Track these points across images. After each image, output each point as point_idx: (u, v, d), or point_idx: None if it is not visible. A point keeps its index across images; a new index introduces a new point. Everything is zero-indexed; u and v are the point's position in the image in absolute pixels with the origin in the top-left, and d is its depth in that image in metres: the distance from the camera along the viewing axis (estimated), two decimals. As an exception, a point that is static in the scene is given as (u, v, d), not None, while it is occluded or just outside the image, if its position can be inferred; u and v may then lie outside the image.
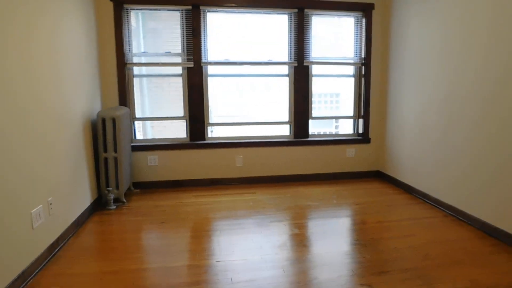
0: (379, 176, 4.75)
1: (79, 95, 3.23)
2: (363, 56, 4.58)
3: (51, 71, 2.67)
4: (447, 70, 3.36)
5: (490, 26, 2.85)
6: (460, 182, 3.25)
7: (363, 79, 4.62)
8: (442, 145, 3.47)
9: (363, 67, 4.61)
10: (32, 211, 2.32)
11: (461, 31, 3.17)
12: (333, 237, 2.90)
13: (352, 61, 4.62)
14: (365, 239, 2.85)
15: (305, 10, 4.36)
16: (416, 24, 3.82)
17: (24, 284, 2.18)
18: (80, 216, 3.12)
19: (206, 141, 4.37)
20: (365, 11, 4.47)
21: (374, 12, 4.48)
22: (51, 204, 2.58)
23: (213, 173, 4.41)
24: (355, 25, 4.58)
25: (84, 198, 3.27)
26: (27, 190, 2.27)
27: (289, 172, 4.58)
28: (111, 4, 3.92)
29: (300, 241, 2.82)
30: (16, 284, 2.08)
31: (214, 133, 4.50)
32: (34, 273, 2.30)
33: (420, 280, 2.21)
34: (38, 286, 2.20)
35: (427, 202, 3.69)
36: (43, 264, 2.43)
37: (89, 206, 3.36)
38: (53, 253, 2.59)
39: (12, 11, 2.15)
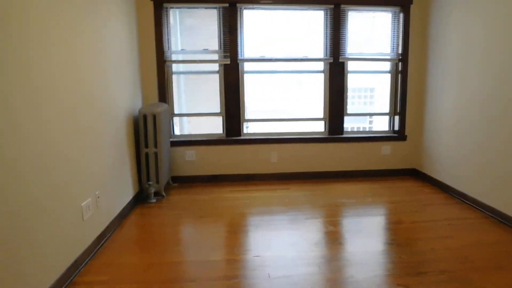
0: (415, 174, 4.70)
1: (122, 92, 3.38)
2: (400, 51, 4.52)
3: (98, 70, 2.81)
4: (491, 69, 3.28)
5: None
6: (502, 184, 3.18)
7: (400, 75, 4.56)
8: (484, 146, 3.39)
9: (400, 63, 4.55)
10: (82, 204, 2.47)
11: (506, 28, 3.08)
12: (368, 235, 2.93)
13: (388, 57, 4.56)
14: (400, 239, 2.85)
15: (342, 6, 4.34)
16: (458, 20, 3.73)
17: (77, 272, 2.34)
18: (123, 209, 3.28)
19: (241, 137, 4.45)
20: (403, 6, 4.40)
21: (412, 7, 4.40)
22: (98, 197, 2.73)
23: (248, 169, 4.50)
24: (392, 20, 4.51)
25: (127, 192, 3.42)
26: (77, 184, 2.42)
27: (323, 168, 4.60)
28: (151, 4, 4.04)
29: (335, 239, 2.86)
30: (70, 271, 2.25)
31: (249, 129, 4.58)
32: (85, 262, 2.47)
33: (458, 283, 2.21)
34: (89, 274, 2.36)
35: (465, 202, 3.64)
36: (92, 254, 2.59)
37: (131, 200, 3.52)
38: (101, 243, 2.76)
39: (62, 15, 2.28)
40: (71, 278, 2.27)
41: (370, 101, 4.88)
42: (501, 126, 3.16)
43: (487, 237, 2.87)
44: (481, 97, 3.41)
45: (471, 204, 3.56)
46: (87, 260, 2.51)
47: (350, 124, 4.88)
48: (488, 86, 3.30)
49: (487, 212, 3.34)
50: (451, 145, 3.89)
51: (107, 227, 2.89)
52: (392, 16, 4.50)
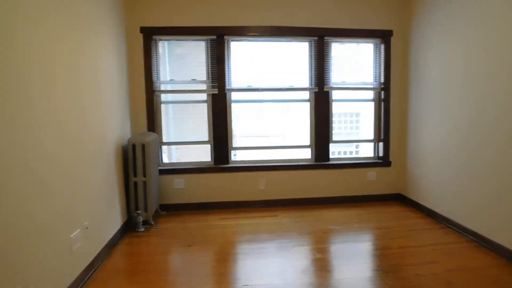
0: (400, 199, 4.79)
1: (112, 122, 3.43)
2: (382, 81, 4.68)
3: (90, 102, 2.86)
4: (470, 98, 3.41)
5: (502, 57, 2.93)
6: (484, 209, 3.28)
7: (382, 103, 4.71)
8: (466, 172, 3.51)
9: (382, 91, 4.70)
10: (71, 235, 2.48)
11: (483, 59, 3.24)
12: (355, 262, 2.97)
13: (371, 86, 4.72)
14: (387, 265, 2.91)
15: (325, 37, 4.51)
16: (436, 51, 3.91)
17: (64, 305, 2.33)
18: (112, 238, 3.28)
19: (229, 165, 4.51)
20: (384, 38, 4.59)
21: (393, 39, 4.59)
22: (87, 228, 2.74)
23: (237, 196, 4.53)
24: (374, 51, 4.70)
25: (115, 221, 3.43)
26: (66, 215, 2.43)
27: (310, 195, 4.67)
28: (141, 36, 4.15)
29: (322, 266, 2.90)
30: (58, 305, 2.23)
31: (237, 156, 4.64)
32: (73, 294, 2.45)
33: (443, 308, 2.27)
34: (77, 307, 2.35)
35: (450, 227, 3.72)
36: (81, 285, 2.58)
37: (119, 229, 3.51)
38: (90, 274, 2.75)
39: (59, 51, 2.36)
40: (60, 310, 2.26)
41: (356, 126, 5.00)
42: (481, 152, 3.28)
43: (470, 262, 2.94)
44: (461, 124, 3.54)
45: (455, 229, 3.64)
46: (76, 291, 2.50)
47: (338, 148, 4.98)
48: (469, 115, 3.44)
49: (471, 237, 3.42)
50: (434, 171, 4.01)
51: (96, 257, 2.89)
52: (374, 47, 4.69)
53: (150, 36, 4.19)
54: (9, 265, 1.80)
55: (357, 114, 5.05)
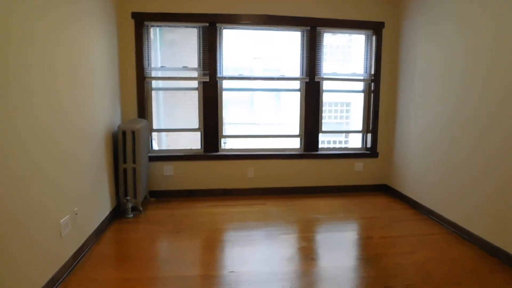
0: (386, 190, 4.88)
1: (102, 108, 3.44)
2: (372, 72, 4.72)
3: (76, 86, 2.86)
4: (449, 92, 3.51)
5: (489, 53, 3.00)
6: (461, 200, 3.38)
7: (372, 94, 4.76)
8: (444, 163, 3.60)
9: (372, 83, 4.75)
10: (61, 221, 2.52)
11: (463, 56, 3.31)
12: (339, 251, 3.06)
13: (362, 77, 4.77)
14: (369, 254, 2.99)
15: (317, 28, 4.52)
16: (423, 45, 3.97)
17: (53, 289, 2.38)
18: (100, 224, 3.32)
19: (219, 153, 4.55)
20: (376, 30, 4.62)
21: (384, 31, 4.62)
22: (76, 214, 2.77)
23: (225, 184, 4.59)
24: (365, 42, 4.73)
25: (104, 207, 3.46)
26: (57, 201, 2.47)
27: (298, 184, 4.74)
28: (132, 21, 4.13)
29: (307, 255, 2.98)
30: (47, 287, 2.29)
31: (227, 145, 4.68)
32: (62, 278, 2.50)
33: (420, 297, 2.36)
34: (65, 291, 2.40)
35: (432, 218, 3.82)
36: (69, 270, 2.63)
37: (108, 215, 3.56)
38: (78, 259, 2.79)
39: (37, 28, 2.34)
40: (48, 294, 2.31)
41: (346, 116, 5.06)
42: (465, 146, 3.36)
43: (450, 252, 3.04)
44: (440, 117, 3.62)
45: (437, 220, 3.74)
46: (64, 276, 2.54)
47: (327, 138, 5.04)
48: (447, 107, 3.52)
49: (451, 228, 3.52)
50: (419, 163, 4.09)
51: (84, 242, 2.93)
52: (365, 39, 4.72)
53: (141, 22, 4.17)
54: (0, 244, 1.84)
55: (348, 104, 5.10)
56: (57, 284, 2.43)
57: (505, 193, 2.89)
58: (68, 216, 2.63)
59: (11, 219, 1.94)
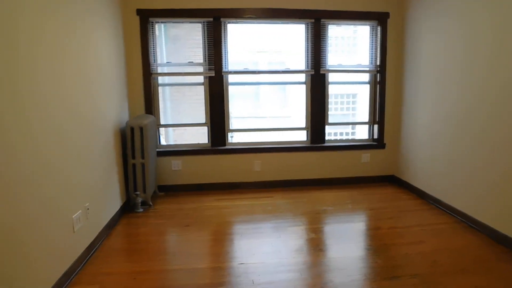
0: (393, 181, 4.89)
1: (110, 104, 3.48)
2: (378, 63, 4.71)
3: (84, 83, 2.90)
4: (454, 82, 3.50)
5: (491, 42, 2.99)
6: (469, 189, 3.39)
7: (378, 86, 4.76)
8: (450, 153, 3.61)
9: (378, 74, 4.75)
10: (73, 216, 2.58)
11: (466, 46, 3.30)
12: (347, 242, 3.08)
13: (367, 69, 4.76)
14: (377, 244, 3.02)
15: (322, 20, 4.52)
16: (428, 35, 3.95)
17: (68, 282, 2.44)
18: (111, 219, 3.38)
19: (226, 147, 4.58)
20: (380, 20, 4.60)
21: (389, 21, 4.61)
22: (88, 209, 2.83)
23: (233, 177, 4.63)
24: (370, 33, 4.72)
25: (114, 202, 3.52)
26: (68, 197, 2.52)
27: (305, 176, 4.76)
28: (137, 18, 4.15)
29: (316, 246, 3.01)
30: (61, 281, 2.35)
31: (233, 138, 4.71)
32: (75, 272, 2.56)
33: (428, 286, 2.38)
34: (80, 284, 2.46)
35: (439, 208, 3.83)
36: (82, 264, 2.69)
37: (119, 210, 3.61)
38: (91, 253, 2.85)
39: (48, 29, 2.38)
40: (63, 287, 2.36)
41: (352, 107, 5.07)
42: (470, 135, 3.36)
43: (458, 241, 3.06)
44: (448, 107, 3.61)
45: (445, 210, 3.75)
46: (78, 270, 2.60)
47: (334, 130, 5.06)
48: (452, 96, 3.51)
49: (459, 217, 3.53)
50: (426, 153, 4.10)
51: (96, 237, 2.99)
52: (370, 30, 4.70)
53: (146, 18, 4.19)
54: (14, 238, 1.89)
55: (354, 96, 5.10)
56: (71, 278, 2.49)
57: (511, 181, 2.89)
58: (80, 211, 2.69)
59: (25, 216, 1.99)
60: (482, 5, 3.18)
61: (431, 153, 4.00)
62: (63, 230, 2.43)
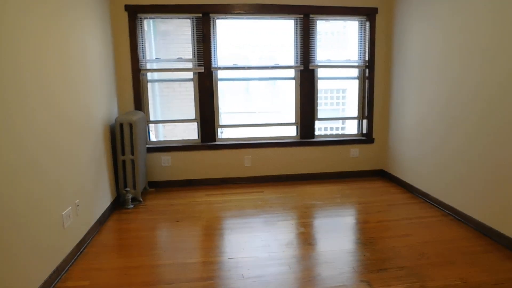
0: (382, 175, 4.95)
1: (99, 101, 3.47)
2: (367, 58, 4.75)
3: (70, 79, 2.87)
4: (448, 76, 3.54)
5: (489, 35, 3.02)
6: (457, 184, 3.44)
7: (367, 81, 4.80)
8: (442, 148, 3.66)
9: (367, 69, 4.79)
10: (63, 213, 2.58)
11: (461, 38, 3.33)
12: (336, 235, 3.13)
13: (356, 64, 4.80)
14: (366, 238, 3.07)
15: (311, 15, 4.54)
16: (418, 29, 3.99)
17: (58, 278, 2.45)
18: (102, 215, 3.38)
19: (216, 143, 4.60)
20: (369, 15, 4.63)
21: (377, 16, 4.64)
22: (78, 205, 2.83)
23: (223, 173, 4.65)
24: (359, 28, 4.75)
25: (104, 198, 3.52)
26: (58, 194, 2.52)
27: (295, 171, 4.80)
28: (125, 14, 4.13)
29: (305, 240, 3.05)
30: (52, 278, 2.35)
31: (223, 134, 4.73)
32: (66, 268, 2.57)
33: (415, 278, 2.43)
34: (70, 280, 2.47)
35: (427, 202, 3.89)
36: (73, 260, 2.69)
37: (109, 206, 3.61)
38: (81, 249, 2.86)
39: (32, 25, 2.35)
40: (53, 284, 2.37)
41: (342, 102, 5.10)
42: (458, 129, 3.41)
43: (444, 234, 3.12)
44: (439, 102, 3.66)
45: (432, 203, 3.82)
46: (68, 266, 2.61)
47: (324, 125, 5.10)
48: (445, 92, 3.56)
49: (446, 211, 3.60)
50: (414, 147, 4.15)
51: (87, 233, 2.99)
52: (358, 25, 4.74)
53: (135, 14, 4.17)
54: (3, 237, 1.89)
55: (344, 90, 5.14)
56: (61, 274, 2.49)
57: (498, 176, 2.95)
58: (70, 208, 2.69)
59: (14, 215, 1.98)
60: (472, 2, 3.22)
61: (419, 147, 4.06)
62: (52, 227, 2.42)
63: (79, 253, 2.81)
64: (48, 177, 2.40)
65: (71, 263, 2.65)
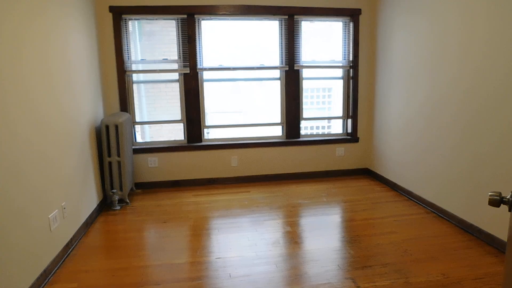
0: (367, 174, 5.03)
1: (85, 103, 3.46)
2: (351, 59, 4.82)
3: (52, 82, 2.85)
4: (424, 75, 3.63)
5: (460, 41, 3.11)
6: (437, 180, 3.53)
7: (351, 81, 4.87)
8: (419, 146, 3.75)
9: (351, 69, 4.85)
10: (49, 216, 2.57)
11: (447, 38, 3.41)
12: (322, 234, 3.18)
13: (340, 64, 4.86)
14: (351, 236, 3.13)
15: (295, 16, 4.59)
16: (402, 29, 4.06)
17: (46, 281, 2.44)
18: (88, 217, 3.37)
19: (202, 143, 4.61)
20: (353, 16, 4.70)
21: (361, 17, 4.71)
22: (64, 208, 2.82)
23: (210, 173, 4.67)
24: (343, 29, 4.81)
25: (91, 200, 3.51)
26: (44, 198, 2.51)
27: (281, 171, 4.85)
28: (110, 15, 4.12)
29: (292, 238, 3.09)
30: (39, 281, 2.35)
31: (210, 135, 4.75)
32: (53, 271, 2.57)
33: (398, 274, 2.50)
34: (58, 282, 2.46)
35: (411, 199, 3.97)
36: (60, 262, 2.69)
37: (96, 208, 3.61)
38: (68, 252, 2.85)
39: (26, 28, 2.35)
40: (41, 286, 2.36)
41: (328, 101, 5.16)
42: (435, 128, 3.50)
43: (427, 231, 3.20)
44: (421, 101, 3.75)
45: (416, 201, 3.90)
46: (56, 268, 2.60)
47: (310, 124, 5.15)
48: (422, 91, 3.64)
49: (429, 208, 3.68)
50: (398, 146, 4.24)
51: (74, 235, 2.99)
52: (342, 26, 4.80)
53: (119, 15, 4.16)
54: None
55: (329, 89, 5.19)
56: (49, 277, 2.49)
57: (475, 172, 3.03)
58: (56, 211, 2.68)
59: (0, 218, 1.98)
60: (450, 5, 3.30)
61: (402, 146, 4.14)
62: (39, 229, 2.42)
63: (66, 255, 2.81)
64: (35, 180, 2.39)
65: (58, 266, 2.65)
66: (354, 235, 3.13)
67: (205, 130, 4.69)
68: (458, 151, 3.24)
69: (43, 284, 2.40)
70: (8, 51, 2.08)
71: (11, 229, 2.08)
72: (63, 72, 2.96)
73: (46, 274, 2.44)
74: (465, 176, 3.17)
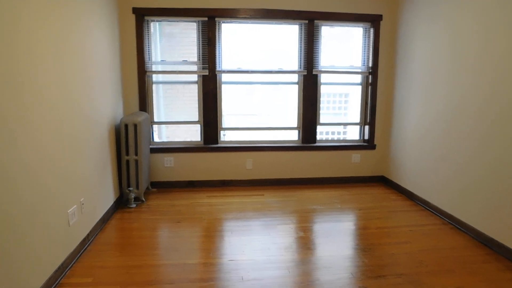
0: (383, 181, 4.99)
1: (105, 101, 3.53)
2: (370, 65, 4.79)
3: (82, 80, 2.94)
4: (443, 83, 3.59)
5: (502, 39, 3.06)
6: (460, 194, 3.45)
7: (369, 87, 4.84)
8: (444, 157, 3.69)
9: (370, 76, 4.83)
10: (68, 211, 2.63)
11: (470, 46, 3.35)
12: (335, 241, 3.16)
13: (359, 70, 4.84)
14: (365, 244, 3.10)
15: (315, 21, 4.58)
16: (424, 37, 4.01)
17: (63, 274, 2.50)
18: (105, 213, 3.43)
19: (218, 145, 4.64)
20: (374, 22, 4.68)
21: (382, 23, 4.68)
22: (83, 204, 2.88)
23: (224, 175, 4.69)
24: (363, 35, 4.79)
25: (108, 197, 3.57)
26: (64, 192, 2.58)
27: (296, 175, 4.84)
28: (133, 16, 4.19)
29: (304, 244, 3.09)
30: (57, 274, 2.41)
31: (226, 137, 4.77)
32: (70, 265, 2.62)
33: (412, 285, 2.47)
34: (74, 276, 2.52)
35: (427, 209, 3.92)
36: (77, 257, 2.75)
37: (112, 205, 3.67)
38: (85, 247, 2.91)
39: (47, 27, 2.42)
40: (58, 280, 2.42)
41: (345, 106, 5.15)
42: (460, 139, 3.45)
43: (443, 242, 3.15)
44: (441, 112, 3.70)
45: (433, 211, 3.85)
46: (72, 263, 2.66)
47: (326, 129, 5.14)
48: (451, 101, 3.60)
49: (446, 219, 3.63)
50: (416, 155, 4.19)
51: (90, 231, 3.04)
52: (363, 31, 4.78)
53: (142, 17, 4.23)
54: (14, 230, 1.95)
55: (347, 95, 5.17)
56: (65, 271, 2.54)
57: (502, 188, 2.97)
58: (75, 206, 2.74)
59: (23, 210, 2.03)
60: (468, 14, 3.26)
61: (419, 154, 4.09)
62: (58, 224, 2.48)
63: (82, 250, 2.86)
64: (57, 174, 2.46)
65: (75, 260, 2.70)
66: (368, 244, 3.10)
67: (222, 132, 4.72)
68: (476, 160, 3.19)
69: (60, 277, 2.45)
70: (24, 47, 2.11)
71: (33, 221, 2.14)
72: (89, 71, 3.03)
73: (63, 268, 2.50)
74: (483, 186, 3.12)
